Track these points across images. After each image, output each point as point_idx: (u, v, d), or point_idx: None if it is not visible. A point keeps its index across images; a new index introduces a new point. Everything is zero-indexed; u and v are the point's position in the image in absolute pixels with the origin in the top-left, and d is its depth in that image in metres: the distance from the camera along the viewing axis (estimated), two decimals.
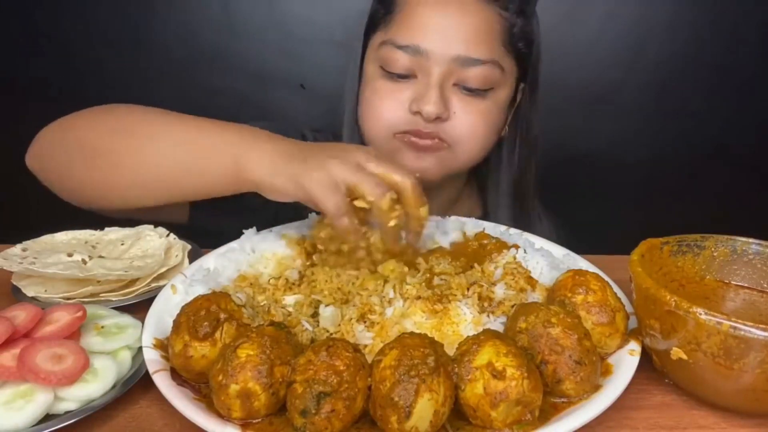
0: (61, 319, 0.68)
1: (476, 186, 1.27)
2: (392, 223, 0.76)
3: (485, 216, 0.99)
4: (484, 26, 1.01)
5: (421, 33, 1.00)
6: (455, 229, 0.93)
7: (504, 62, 1.03)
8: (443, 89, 1.00)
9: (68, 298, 0.81)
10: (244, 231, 0.89)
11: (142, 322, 0.71)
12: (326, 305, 0.72)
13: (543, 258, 0.83)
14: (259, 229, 0.91)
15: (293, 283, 0.79)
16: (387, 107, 1.03)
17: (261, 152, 0.80)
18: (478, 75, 1.00)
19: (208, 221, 1.09)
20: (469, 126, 1.02)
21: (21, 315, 0.67)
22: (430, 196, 1.15)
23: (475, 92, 1.01)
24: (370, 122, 1.07)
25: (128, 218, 1.01)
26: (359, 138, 1.13)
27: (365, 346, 0.67)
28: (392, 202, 0.75)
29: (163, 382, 0.60)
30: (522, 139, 1.15)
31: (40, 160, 0.96)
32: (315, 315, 0.72)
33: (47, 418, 0.59)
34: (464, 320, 0.70)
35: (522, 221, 0.99)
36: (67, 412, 0.60)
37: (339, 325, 0.70)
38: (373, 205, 0.74)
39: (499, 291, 0.75)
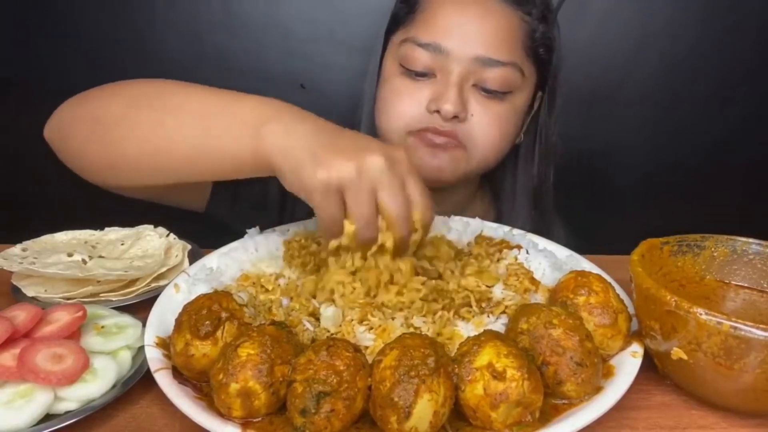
0: (61, 319, 0.68)
1: (489, 191, 1.26)
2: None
3: (498, 221, 0.99)
4: (506, 29, 1.01)
5: (442, 32, 1.00)
6: (458, 228, 0.93)
7: (524, 67, 1.03)
8: (462, 89, 1.00)
9: (68, 298, 0.81)
10: (247, 231, 0.89)
11: (142, 322, 0.71)
12: (327, 306, 0.72)
13: (545, 259, 0.83)
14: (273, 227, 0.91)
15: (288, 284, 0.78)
16: (405, 105, 1.03)
17: (280, 129, 0.72)
18: (498, 76, 1.00)
19: (225, 212, 1.08)
20: (486, 128, 1.02)
21: (21, 315, 0.67)
22: (441, 198, 1.15)
23: (494, 94, 1.01)
24: (386, 120, 1.07)
25: (144, 204, 1.00)
26: (376, 137, 1.13)
27: (366, 347, 0.67)
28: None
29: (164, 380, 0.60)
30: (541, 148, 1.15)
31: (58, 133, 0.93)
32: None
33: (47, 418, 0.59)
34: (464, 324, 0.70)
35: (542, 230, 0.98)
36: (67, 412, 0.59)
37: (340, 325, 0.69)
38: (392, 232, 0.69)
39: (497, 291, 0.75)
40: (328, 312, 0.70)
